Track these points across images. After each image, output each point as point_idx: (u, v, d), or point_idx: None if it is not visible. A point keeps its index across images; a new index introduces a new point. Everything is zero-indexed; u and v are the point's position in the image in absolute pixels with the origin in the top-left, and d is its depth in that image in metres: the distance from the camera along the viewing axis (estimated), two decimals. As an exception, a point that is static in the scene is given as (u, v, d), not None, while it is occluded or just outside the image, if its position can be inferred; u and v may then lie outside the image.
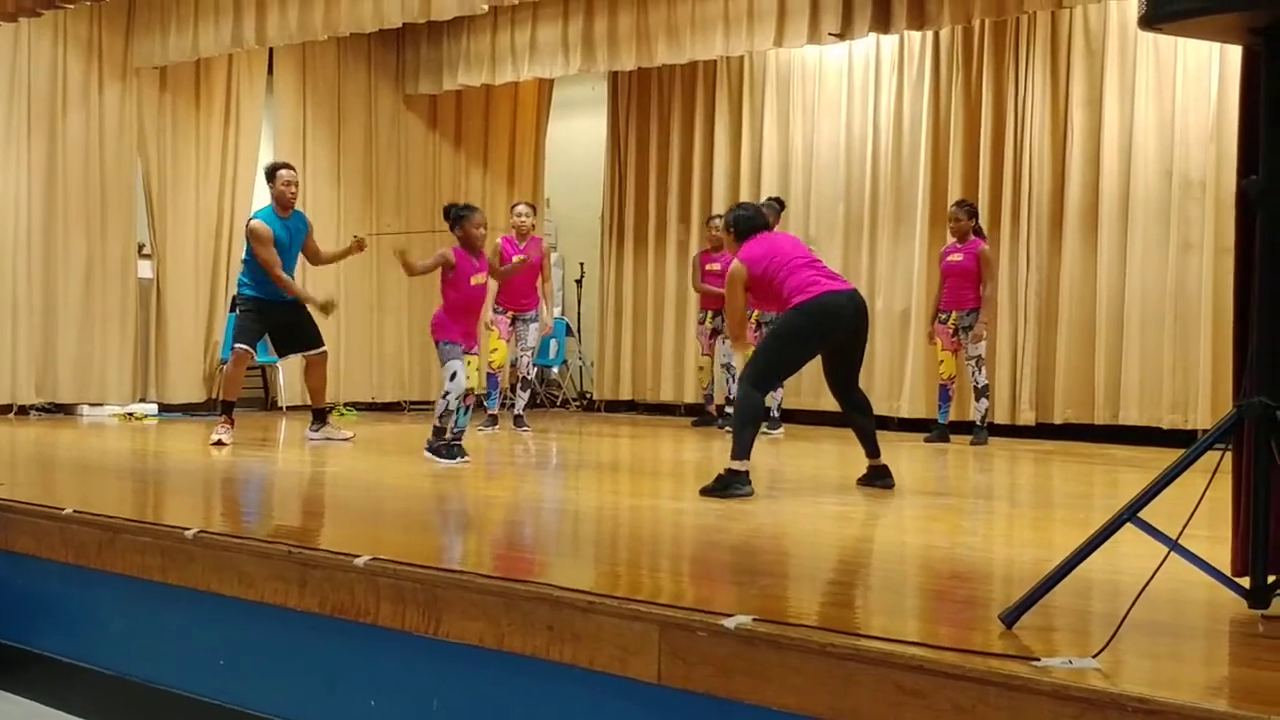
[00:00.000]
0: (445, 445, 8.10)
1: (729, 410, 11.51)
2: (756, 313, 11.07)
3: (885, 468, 7.11)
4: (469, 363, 8.21)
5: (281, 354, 10.26)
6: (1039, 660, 3.07)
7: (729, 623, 3.49)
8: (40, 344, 11.76)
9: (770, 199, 11.39)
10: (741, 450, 6.63)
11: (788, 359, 7.02)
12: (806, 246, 7.37)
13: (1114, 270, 11.09)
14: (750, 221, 7.12)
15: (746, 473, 6.63)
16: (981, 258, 10.51)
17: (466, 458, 8.13)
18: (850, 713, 3.25)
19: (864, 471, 7.18)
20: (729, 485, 6.59)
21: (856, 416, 7.13)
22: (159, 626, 5.30)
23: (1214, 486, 3.39)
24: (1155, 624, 3.52)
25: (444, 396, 8.03)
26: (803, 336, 6.84)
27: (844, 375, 7.08)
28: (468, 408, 8.26)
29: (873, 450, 7.10)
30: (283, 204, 9.59)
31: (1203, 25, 3.64)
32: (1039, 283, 11.48)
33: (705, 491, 6.64)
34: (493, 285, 9.60)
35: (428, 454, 8.13)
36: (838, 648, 3.29)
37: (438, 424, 8.16)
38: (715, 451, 6.84)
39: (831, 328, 6.80)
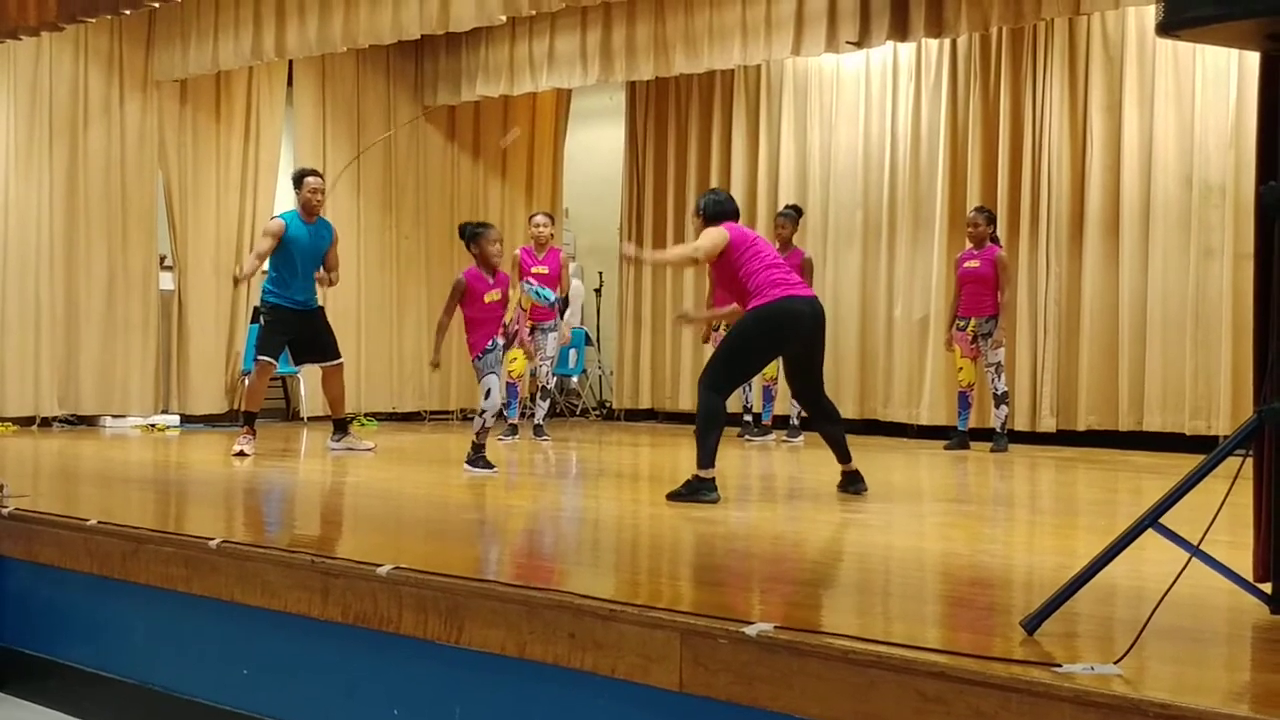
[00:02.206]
0: (482, 459, 8.22)
1: (747, 419, 11.55)
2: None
3: (857, 473, 7.14)
4: (514, 358, 8.36)
5: (298, 362, 10.28)
6: (1061, 666, 3.07)
7: (750, 630, 3.50)
8: (62, 356, 11.81)
9: (788, 206, 11.43)
10: (706, 458, 6.68)
11: (745, 363, 7.05)
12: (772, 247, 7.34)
13: (1135, 276, 11.06)
14: (720, 206, 7.11)
15: (713, 479, 6.67)
16: (999, 264, 10.50)
17: (495, 469, 8.22)
18: (872, 719, 3.26)
19: (839, 478, 7.20)
20: (696, 491, 6.65)
21: (824, 424, 7.17)
22: (182, 636, 5.33)
23: (1235, 492, 3.39)
24: (1177, 629, 3.52)
25: (480, 415, 8.18)
26: (759, 341, 6.90)
27: (806, 383, 7.13)
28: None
29: (843, 456, 7.13)
30: (308, 210, 9.62)
31: (1220, 32, 3.64)
32: (1059, 289, 11.46)
33: (672, 496, 6.72)
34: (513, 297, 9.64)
35: (467, 467, 8.24)
36: (859, 654, 3.30)
37: (475, 439, 8.26)
38: (733, 460, 6.83)
39: (788, 333, 6.84)
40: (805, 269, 10.39)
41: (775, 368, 10.60)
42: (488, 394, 8.12)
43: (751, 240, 6.99)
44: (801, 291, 6.90)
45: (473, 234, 8.34)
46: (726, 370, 6.90)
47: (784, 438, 11.28)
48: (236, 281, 9.88)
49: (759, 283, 6.77)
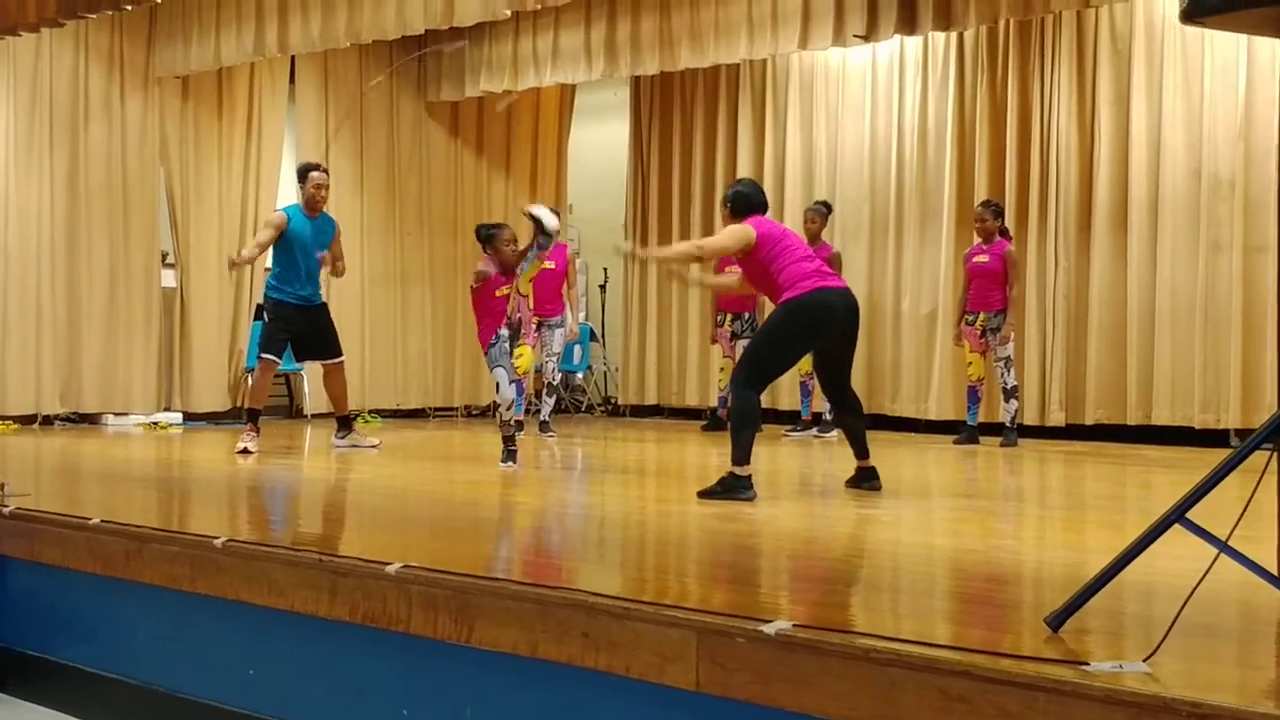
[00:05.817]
0: (510, 454, 8.33)
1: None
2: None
3: (873, 469, 7.03)
4: (521, 354, 8.45)
5: (299, 359, 10.25)
6: (1088, 665, 3.01)
7: (768, 628, 3.44)
8: (64, 354, 11.77)
9: (818, 202, 11.46)
10: (742, 454, 6.56)
11: (780, 357, 6.90)
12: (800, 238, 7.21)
13: (1143, 270, 11.00)
14: (748, 199, 6.97)
15: (749, 477, 6.56)
16: (1007, 258, 10.44)
17: (512, 463, 8.22)
18: (895, 719, 3.19)
19: (853, 473, 7.10)
20: (732, 489, 6.52)
21: (848, 418, 7.08)
22: (187, 636, 5.27)
23: (1247, 486, 3.32)
24: (1201, 626, 3.45)
25: (495, 409, 8.39)
26: (793, 334, 6.78)
27: (835, 375, 7.00)
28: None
29: (862, 452, 7.02)
30: (312, 206, 9.57)
31: (1245, 19, 3.58)
32: (1067, 284, 11.39)
33: (705, 494, 6.59)
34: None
35: (501, 465, 8.28)
36: (880, 653, 3.23)
37: (503, 432, 8.37)
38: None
39: (822, 325, 6.72)
40: (833, 263, 10.32)
41: (808, 361, 10.56)
42: (498, 387, 8.22)
43: (780, 235, 6.85)
44: (834, 283, 6.78)
45: (487, 236, 8.44)
46: (760, 366, 6.78)
47: (817, 433, 11.24)
48: (231, 265, 9.74)
49: (790, 276, 6.65)
